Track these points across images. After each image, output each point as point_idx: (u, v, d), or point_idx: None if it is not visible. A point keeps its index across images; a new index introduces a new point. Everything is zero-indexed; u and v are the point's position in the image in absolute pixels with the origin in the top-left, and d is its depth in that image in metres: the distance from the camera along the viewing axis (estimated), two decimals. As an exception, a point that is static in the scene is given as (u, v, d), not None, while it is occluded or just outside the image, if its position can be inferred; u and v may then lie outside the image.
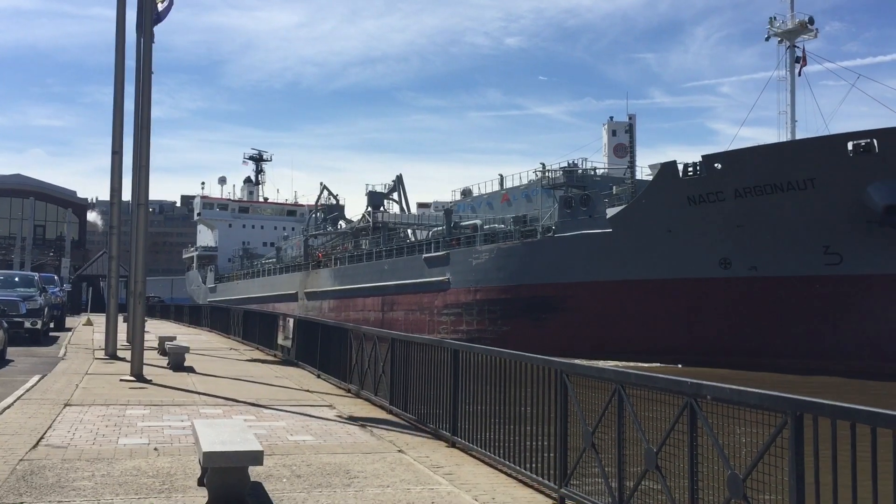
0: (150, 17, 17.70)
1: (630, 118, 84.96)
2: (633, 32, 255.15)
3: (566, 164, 48.40)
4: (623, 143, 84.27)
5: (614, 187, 45.84)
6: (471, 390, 9.39)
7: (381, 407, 12.78)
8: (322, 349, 17.50)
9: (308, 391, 14.99)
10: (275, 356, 22.10)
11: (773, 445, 4.75)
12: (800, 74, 42.90)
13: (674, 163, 38.29)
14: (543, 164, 51.58)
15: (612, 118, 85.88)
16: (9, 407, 11.68)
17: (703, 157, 36.82)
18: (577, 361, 8.50)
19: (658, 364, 35.28)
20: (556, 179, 47.92)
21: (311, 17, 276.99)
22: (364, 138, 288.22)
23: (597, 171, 51.11)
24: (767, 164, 34.96)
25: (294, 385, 15.83)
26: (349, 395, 14.57)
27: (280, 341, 21.97)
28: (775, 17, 43.45)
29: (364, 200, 74.78)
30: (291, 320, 21.27)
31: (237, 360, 21.34)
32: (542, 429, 7.61)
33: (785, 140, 40.50)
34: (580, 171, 48.62)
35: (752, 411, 5.05)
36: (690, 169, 37.52)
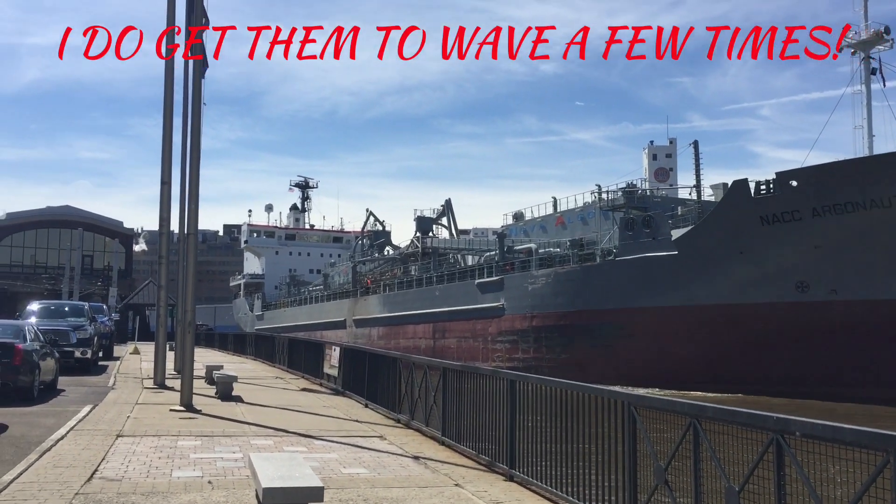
0: (202, 55, 17.90)
1: (671, 142, 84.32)
2: (669, 56, 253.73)
3: (624, 186, 47.10)
4: (664, 167, 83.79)
5: (679, 208, 44.16)
6: (529, 422, 9.11)
7: (433, 438, 12.53)
8: (370, 378, 17.32)
9: (357, 421, 14.81)
10: (321, 385, 21.98)
11: (874, 486, 4.44)
12: (884, 86, 41.05)
13: (745, 181, 36.59)
14: (599, 186, 50.15)
15: (652, 142, 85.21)
16: (62, 438, 11.68)
17: (777, 174, 35.33)
18: (643, 392, 8.18)
19: (735, 394, 33.22)
20: (616, 201, 46.11)
21: (347, 47, 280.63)
22: (401, 166, 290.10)
23: (657, 191, 49.24)
24: (849, 180, 33.11)
25: (342, 415, 15.67)
26: (399, 425, 14.35)
27: (326, 370, 21.86)
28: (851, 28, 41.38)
29: (407, 226, 74.83)
30: (338, 349, 21.15)
31: (284, 390, 21.26)
32: (608, 463, 7.31)
33: (861, 156, 38.29)
34: (640, 192, 46.78)
35: (846, 448, 4.73)
36: (763, 187, 35.72)
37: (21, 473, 9.07)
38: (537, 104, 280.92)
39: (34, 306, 29.62)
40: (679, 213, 43.25)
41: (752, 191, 36.16)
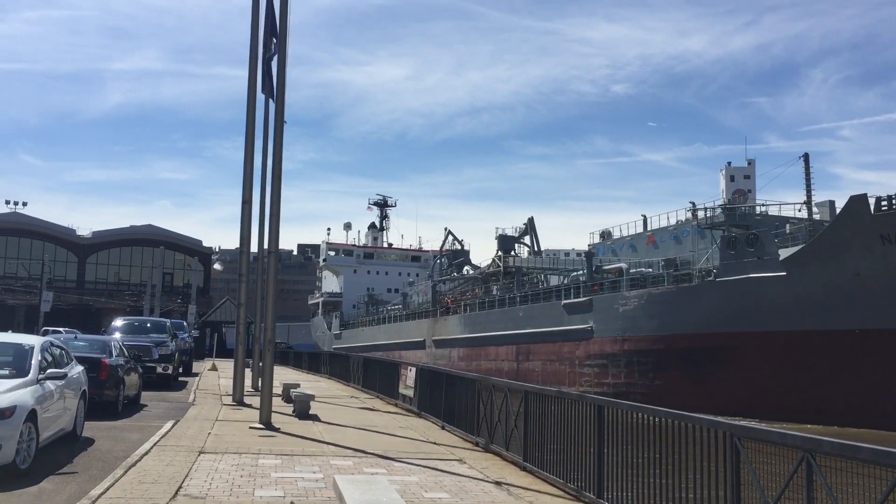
0: (282, 80, 18.17)
1: (749, 162, 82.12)
2: (744, 76, 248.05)
3: (722, 203, 45.19)
4: (742, 188, 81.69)
5: (787, 226, 41.83)
6: (618, 450, 8.75)
7: (514, 463, 12.24)
8: (447, 400, 17.12)
9: (435, 443, 14.61)
10: (395, 405, 21.88)
11: None
12: None
13: (864, 196, 34.08)
14: (693, 203, 48.06)
15: (729, 163, 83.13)
16: (147, 453, 11.81)
17: None
18: (743, 422, 7.74)
19: (851, 428, 30.43)
20: (715, 218, 43.61)
21: (417, 70, 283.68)
22: (472, 187, 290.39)
23: (761, 208, 46.42)
24: None
25: (419, 436, 15.50)
26: (478, 448, 14.09)
27: (401, 390, 21.76)
28: None
29: (482, 246, 74.31)
30: (413, 369, 21.03)
31: (359, 409, 21.23)
32: (707, 498, 6.93)
33: None
34: (742, 209, 44.42)
35: None
36: (885, 203, 33.35)
37: (108, 489, 9.16)
38: (609, 125, 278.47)
39: (118, 322, 30.45)
40: (787, 231, 40.67)
41: (872, 207, 33.78)
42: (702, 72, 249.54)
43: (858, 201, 34.14)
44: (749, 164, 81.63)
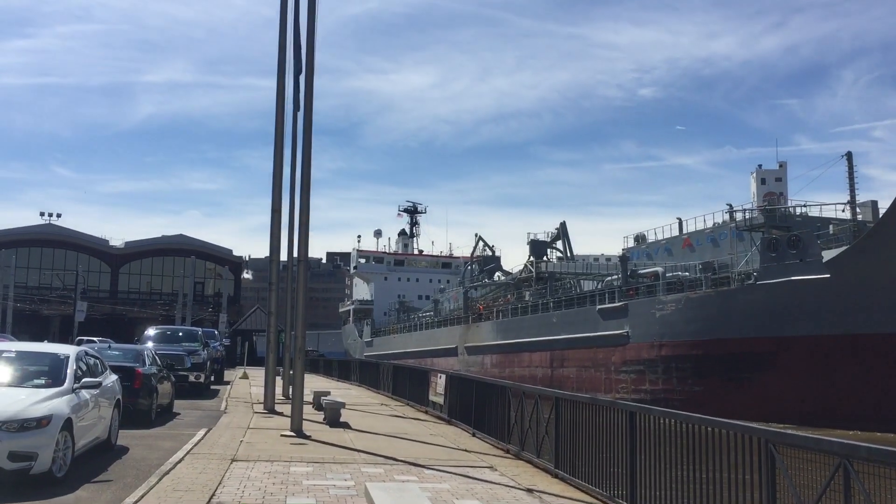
0: (310, 91, 18.33)
1: (781, 165, 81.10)
2: (774, 79, 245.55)
3: (765, 204, 44.28)
4: (773, 191, 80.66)
5: (831, 227, 40.74)
6: (651, 457, 8.67)
7: (546, 470, 12.18)
8: (477, 407, 17.08)
9: (465, 451, 14.59)
10: (426, 412, 21.88)
11: None
12: None
13: None
14: (730, 205, 47.03)
15: (760, 166, 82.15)
16: (180, 461, 11.92)
17: None
18: (781, 429, 7.63)
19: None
20: (754, 220, 42.76)
21: (443, 77, 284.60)
22: (499, 193, 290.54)
23: (801, 209, 45.10)
24: None
25: (450, 444, 15.48)
26: (509, 455, 14.04)
27: (431, 397, 21.76)
28: None
29: (513, 252, 73.38)
30: (443, 376, 21.02)
31: (389, 417, 21.26)
32: (744, 502, 6.84)
33: None
34: (783, 210, 43.25)
35: None
36: None
37: (142, 496, 9.26)
38: (636, 129, 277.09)
39: (151, 331, 30.81)
40: (831, 232, 39.57)
41: None
42: (730, 74, 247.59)
43: None
44: (780, 166, 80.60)
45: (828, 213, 44.54)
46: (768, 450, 6.46)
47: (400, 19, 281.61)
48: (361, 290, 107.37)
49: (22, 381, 11.28)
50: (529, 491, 10.68)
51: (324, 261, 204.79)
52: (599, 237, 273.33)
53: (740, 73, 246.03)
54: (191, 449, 13.26)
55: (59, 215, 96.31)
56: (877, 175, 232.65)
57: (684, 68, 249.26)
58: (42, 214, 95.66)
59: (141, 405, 17.32)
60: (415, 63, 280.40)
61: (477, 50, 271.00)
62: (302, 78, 19.86)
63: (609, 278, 53.99)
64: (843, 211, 42.41)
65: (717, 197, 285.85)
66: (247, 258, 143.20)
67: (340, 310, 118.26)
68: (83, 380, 11.82)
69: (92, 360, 13.28)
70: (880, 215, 38.72)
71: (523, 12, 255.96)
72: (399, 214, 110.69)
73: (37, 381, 11.24)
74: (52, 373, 11.52)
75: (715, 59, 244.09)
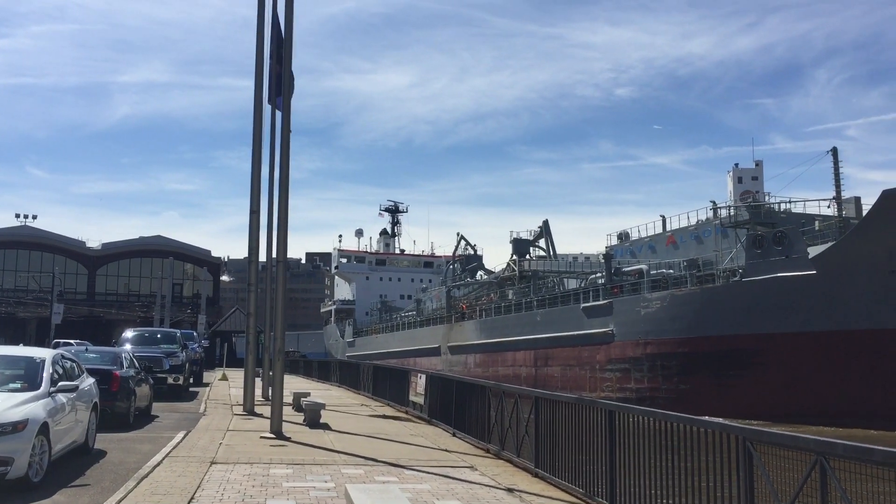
0: (288, 90, 18.25)
1: (757, 164, 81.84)
2: (749, 78, 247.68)
3: (752, 200, 43.97)
4: (750, 189, 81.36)
5: (817, 223, 40.77)
6: (631, 455, 8.70)
7: (526, 469, 12.20)
8: (457, 407, 17.09)
9: (446, 451, 14.59)
10: (406, 413, 21.85)
11: None
12: None
13: None
14: (714, 202, 47.11)
15: (737, 165, 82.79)
16: (158, 464, 11.82)
17: None
18: (757, 426, 7.68)
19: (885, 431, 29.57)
20: (739, 216, 42.73)
21: (422, 77, 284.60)
22: (478, 193, 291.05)
23: (785, 205, 44.99)
24: None
25: (430, 444, 15.47)
26: (489, 455, 14.06)
27: (412, 398, 21.74)
28: None
29: (494, 251, 73.27)
30: (423, 376, 21.01)
31: (370, 417, 21.22)
32: (720, 501, 6.89)
33: None
34: (767, 206, 43.07)
35: None
36: None
37: (120, 501, 9.17)
38: (613, 128, 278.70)
39: (129, 333, 30.53)
40: (816, 228, 39.62)
41: None
42: (706, 74, 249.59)
43: (891, 195, 32.92)
44: (756, 165, 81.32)
45: (811, 209, 44.77)
46: (746, 447, 6.51)
47: (378, 19, 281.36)
48: (343, 290, 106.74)
49: (-3, 385, 11.13)
50: (510, 490, 10.70)
51: (303, 261, 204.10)
52: (579, 236, 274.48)
53: (716, 72, 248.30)
54: (169, 452, 13.15)
55: (34, 217, 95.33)
56: (852, 173, 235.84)
57: (660, 68, 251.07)
58: (17, 216, 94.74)
59: (118, 408, 17.17)
60: (393, 63, 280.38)
61: (455, 50, 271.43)
62: (281, 77, 19.77)
63: (593, 276, 53.79)
64: (829, 207, 42.48)
65: (694, 196, 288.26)
66: (225, 259, 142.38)
67: (322, 310, 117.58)
68: (60, 383, 11.69)
69: (68, 364, 13.14)
70: (863, 212, 38.98)
71: (501, 12, 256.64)
72: (380, 214, 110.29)
73: (12, 385, 11.10)
74: (28, 376, 11.39)
75: (691, 59, 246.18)
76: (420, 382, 21.01)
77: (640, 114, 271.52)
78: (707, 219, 47.31)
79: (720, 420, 7.16)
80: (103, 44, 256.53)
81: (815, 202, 45.78)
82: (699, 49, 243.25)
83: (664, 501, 7.85)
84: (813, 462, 5.69)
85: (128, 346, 26.41)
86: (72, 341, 44.10)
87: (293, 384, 34.75)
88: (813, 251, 36.38)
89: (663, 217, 52.56)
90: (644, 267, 47.73)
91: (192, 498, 9.50)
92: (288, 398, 21.99)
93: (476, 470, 12.41)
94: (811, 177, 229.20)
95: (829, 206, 42.72)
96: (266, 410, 18.16)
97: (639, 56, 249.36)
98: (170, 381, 25.53)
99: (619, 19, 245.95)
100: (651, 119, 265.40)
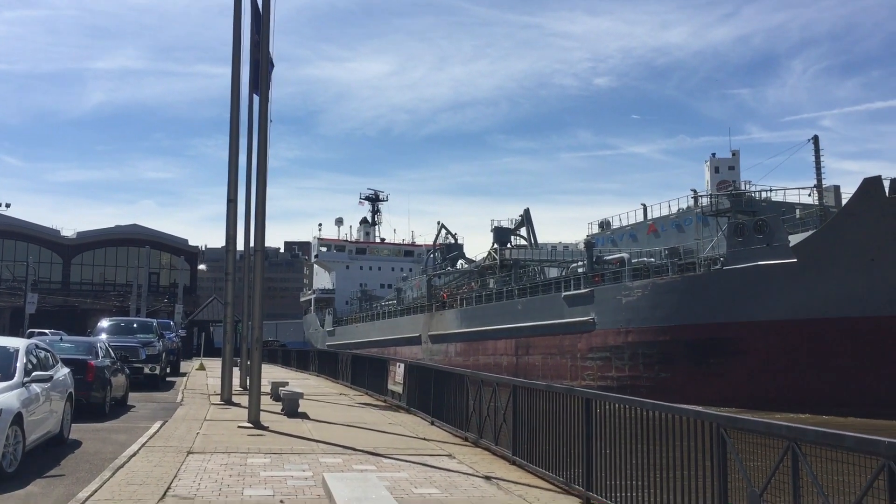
0: (266, 77, 18.15)
1: (734, 153, 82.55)
2: (726, 68, 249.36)
3: (732, 189, 43.89)
4: (727, 179, 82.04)
5: (798, 211, 40.84)
6: (608, 443, 8.77)
7: (504, 457, 12.26)
8: (436, 395, 17.13)
9: (424, 439, 14.63)
10: (384, 402, 21.88)
11: None
12: None
13: (878, 178, 32.86)
14: (695, 191, 47.31)
15: (714, 154, 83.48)
16: (134, 455, 11.76)
17: None
18: (731, 413, 7.76)
19: (863, 419, 29.59)
20: (720, 205, 42.72)
21: (401, 66, 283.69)
22: (458, 182, 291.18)
23: (765, 193, 44.93)
24: None
25: (409, 433, 15.50)
26: (467, 443, 14.11)
27: (390, 386, 21.76)
28: None
29: (474, 240, 72.84)
30: (402, 365, 21.03)
31: (349, 406, 21.22)
32: (695, 488, 6.96)
33: None
34: (748, 195, 43.14)
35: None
36: None
37: (95, 491, 9.11)
38: (592, 118, 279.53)
39: (104, 323, 30.27)
40: (797, 216, 39.75)
41: (887, 190, 32.69)
42: (683, 64, 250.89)
43: (872, 184, 32.97)
44: (733, 154, 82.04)
45: (791, 198, 45.01)
46: (720, 434, 6.58)
47: (356, 6, 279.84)
48: (322, 279, 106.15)
49: (-31, 375, 11.00)
50: (487, 478, 10.75)
51: (282, 250, 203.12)
52: (558, 225, 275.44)
53: (693, 62, 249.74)
54: (146, 442, 13.09)
55: (8, 205, 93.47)
56: (827, 163, 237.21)
57: (638, 58, 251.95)
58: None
59: (94, 398, 17.04)
60: (371, 51, 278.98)
61: (434, 38, 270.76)
62: (258, 64, 19.63)
63: (574, 265, 53.82)
64: (809, 195, 42.66)
65: (672, 185, 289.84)
66: (203, 248, 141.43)
67: (301, 299, 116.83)
68: (33, 373, 11.57)
69: (43, 353, 13.01)
70: (843, 200, 39.30)
71: (479, 1, 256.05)
72: (361, 202, 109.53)
73: (-15, 376, 10.96)
74: (1, 367, 11.26)
75: (668, 49, 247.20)
76: (399, 371, 21.03)
77: (619, 103, 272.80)
78: (688, 207, 47.42)
79: (695, 407, 7.21)
80: (76, 30, 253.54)
81: (795, 191, 45.90)
82: (677, 39, 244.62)
83: (640, 487, 7.93)
84: (785, 448, 5.76)
85: (103, 336, 26.17)
86: (46, 331, 43.66)
87: (271, 373, 34.66)
88: (794, 239, 36.55)
89: (644, 206, 52.63)
90: (625, 255, 47.77)
91: (168, 488, 9.46)
92: (266, 388, 21.93)
93: (454, 458, 12.45)
94: (788, 167, 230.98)
95: (809, 195, 42.96)
96: (244, 400, 18.11)
97: (617, 46, 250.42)
98: (146, 370, 25.35)
99: (598, 9, 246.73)
100: (629, 109, 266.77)
